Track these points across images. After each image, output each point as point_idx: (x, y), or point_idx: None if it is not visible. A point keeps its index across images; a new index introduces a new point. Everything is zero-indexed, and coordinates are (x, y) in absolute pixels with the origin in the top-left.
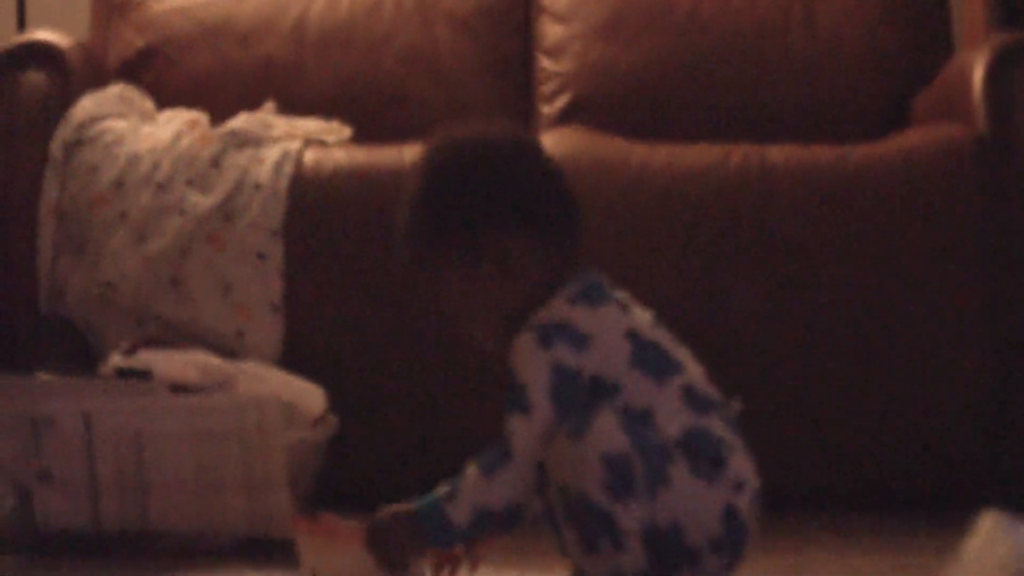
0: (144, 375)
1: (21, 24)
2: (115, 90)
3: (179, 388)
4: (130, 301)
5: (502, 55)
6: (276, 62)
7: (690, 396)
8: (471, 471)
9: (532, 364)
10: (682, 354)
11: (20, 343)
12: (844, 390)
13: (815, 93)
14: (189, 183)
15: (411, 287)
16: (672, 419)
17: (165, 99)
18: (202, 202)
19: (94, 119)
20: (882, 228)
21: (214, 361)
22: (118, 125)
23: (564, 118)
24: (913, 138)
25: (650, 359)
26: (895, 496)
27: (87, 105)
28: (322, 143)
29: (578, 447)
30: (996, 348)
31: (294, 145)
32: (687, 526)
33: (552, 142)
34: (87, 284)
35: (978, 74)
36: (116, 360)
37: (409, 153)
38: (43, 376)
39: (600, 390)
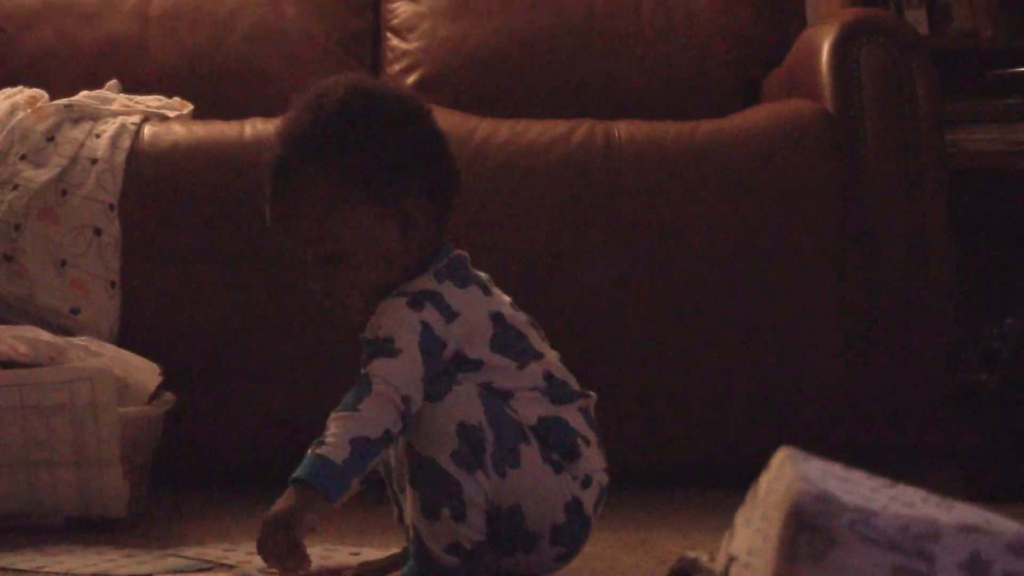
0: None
1: None
2: None
3: (7, 363)
4: None
5: (351, 33)
6: (119, 40)
7: (550, 384)
8: (334, 415)
9: (402, 321)
10: (541, 340)
11: None
12: (694, 365)
13: (667, 69)
14: (23, 157)
15: (250, 263)
16: (530, 405)
17: (5, 76)
18: (37, 176)
19: None
20: (729, 202)
21: (45, 336)
22: None
23: None
24: (760, 113)
25: (512, 343)
26: (748, 473)
27: None
28: (163, 118)
29: (435, 412)
30: (846, 319)
31: (132, 119)
32: (530, 510)
33: None
34: None
35: (825, 50)
36: None
37: (251, 128)
38: None
39: (463, 365)
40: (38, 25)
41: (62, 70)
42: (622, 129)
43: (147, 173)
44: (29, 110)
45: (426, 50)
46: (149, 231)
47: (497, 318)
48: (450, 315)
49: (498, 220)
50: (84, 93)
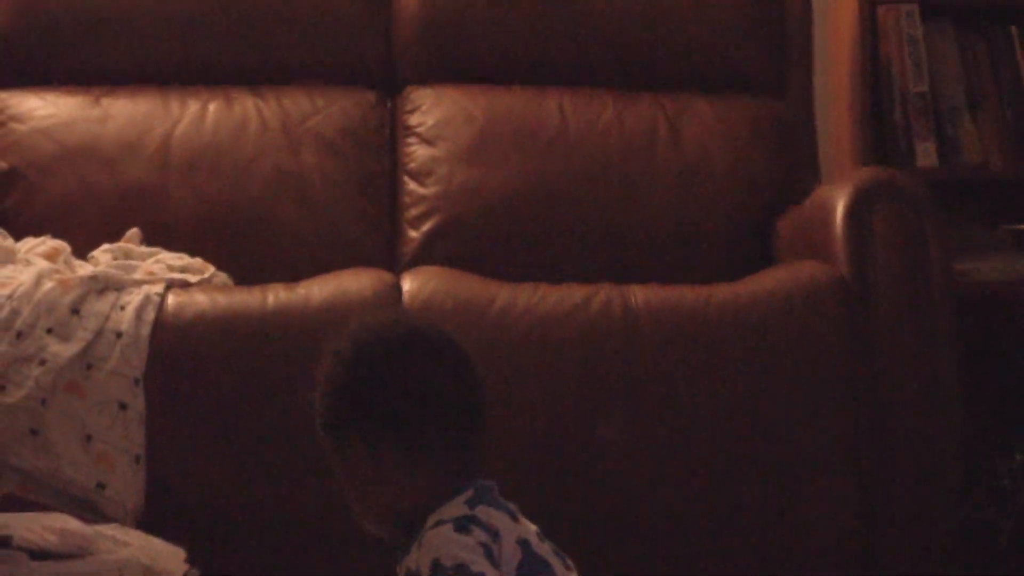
0: (3, 541)
1: None
2: None
3: (38, 555)
4: None
5: (368, 176)
6: (140, 187)
7: None
8: None
9: (463, 546)
10: (565, 569)
11: None
12: (712, 529)
13: (682, 211)
14: (49, 331)
15: (277, 436)
16: None
17: (27, 224)
18: (62, 351)
19: None
20: (745, 370)
21: (73, 524)
22: None
23: (430, 242)
24: (775, 278)
25: (537, 571)
26: None
27: None
28: (185, 284)
29: None
30: (858, 486)
31: (155, 289)
32: None
33: (414, 284)
34: None
35: (839, 213)
36: None
37: (273, 297)
38: None
39: None
40: (59, 172)
41: (83, 218)
42: (639, 296)
43: (171, 346)
44: (54, 282)
45: (443, 196)
46: (174, 404)
47: (525, 544)
48: (494, 535)
49: (518, 390)
50: (105, 246)
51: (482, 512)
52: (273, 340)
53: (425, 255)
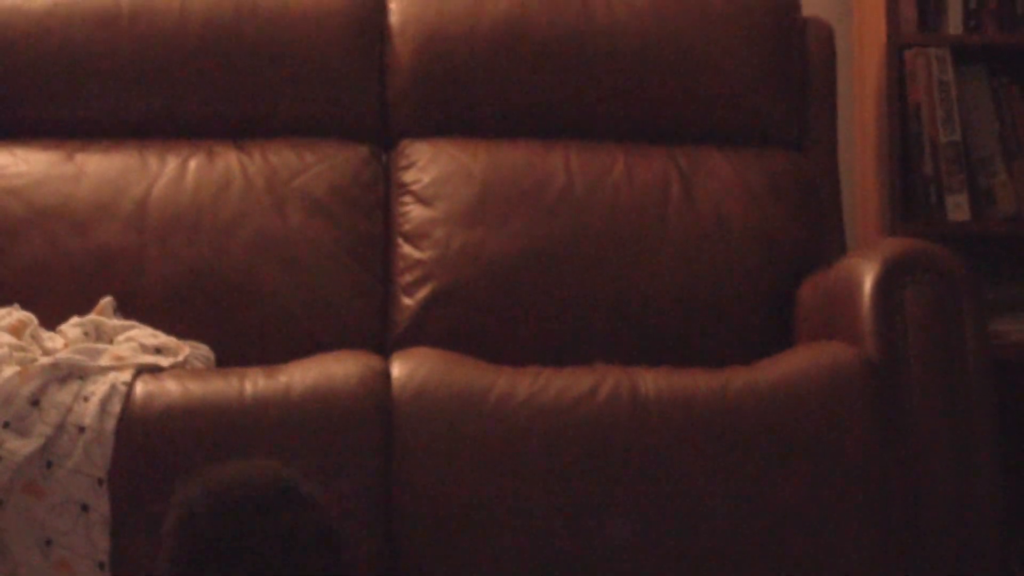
0: None
1: None
2: None
3: None
4: None
5: (359, 238)
6: (114, 251)
7: None
8: None
9: None
10: None
11: None
12: None
13: (696, 276)
14: (6, 425)
15: None
16: None
17: None
18: (20, 447)
19: None
20: (764, 463)
21: None
22: None
23: (426, 311)
24: (796, 362)
25: None
26: None
27: None
28: (157, 369)
29: None
30: None
31: (122, 378)
32: None
33: (404, 369)
34: None
35: (867, 288)
36: None
37: (251, 386)
38: None
39: None
40: (28, 234)
41: (53, 284)
42: (649, 383)
43: (138, 441)
44: (12, 370)
45: (440, 260)
46: (141, 507)
47: None
48: None
49: (518, 485)
50: (75, 320)
51: None
52: (249, 432)
53: (420, 325)
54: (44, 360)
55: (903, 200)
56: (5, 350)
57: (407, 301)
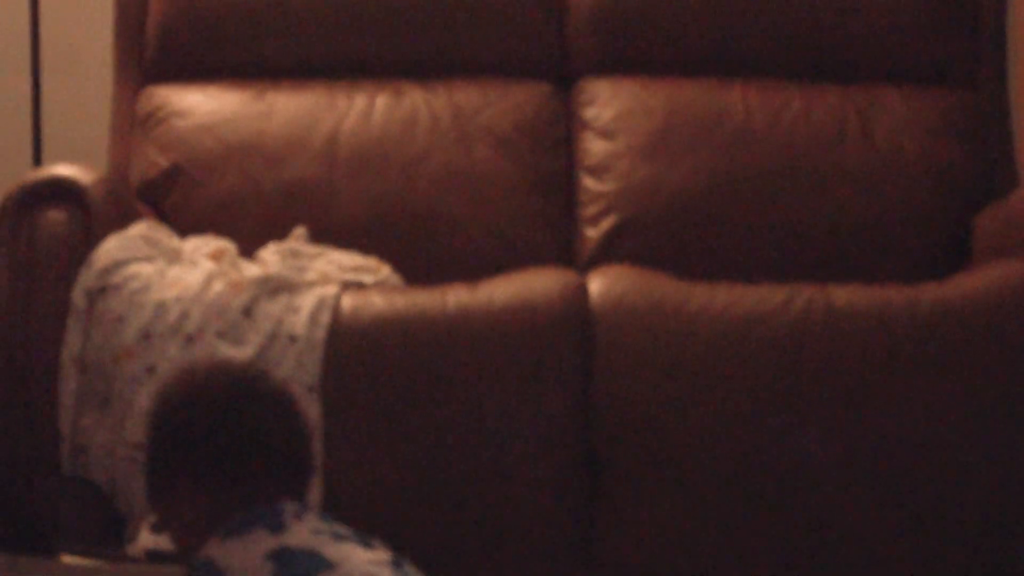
0: (178, 558)
1: (37, 157)
2: (139, 229)
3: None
4: None
5: (544, 173)
6: (306, 184)
7: None
8: None
9: None
10: (351, 549)
11: (41, 508)
12: (913, 541)
13: (873, 209)
14: (220, 335)
15: (457, 448)
16: None
17: (190, 222)
18: (234, 355)
19: (118, 264)
20: (956, 375)
21: None
22: (144, 270)
23: (609, 242)
24: (985, 277)
25: (297, 569)
26: None
27: (110, 248)
28: (360, 285)
29: None
30: None
31: (331, 291)
32: None
33: (603, 284)
34: (113, 444)
35: None
36: (146, 539)
37: (453, 299)
38: (68, 559)
39: None
40: (222, 169)
41: (247, 216)
42: (841, 297)
43: (348, 351)
44: (224, 284)
45: (621, 193)
46: (351, 413)
47: (280, 552)
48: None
49: (715, 395)
50: (272, 246)
51: (222, 550)
52: (454, 344)
53: (603, 255)
54: (252, 274)
55: None
56: (213, 268)
57: (590, 232)
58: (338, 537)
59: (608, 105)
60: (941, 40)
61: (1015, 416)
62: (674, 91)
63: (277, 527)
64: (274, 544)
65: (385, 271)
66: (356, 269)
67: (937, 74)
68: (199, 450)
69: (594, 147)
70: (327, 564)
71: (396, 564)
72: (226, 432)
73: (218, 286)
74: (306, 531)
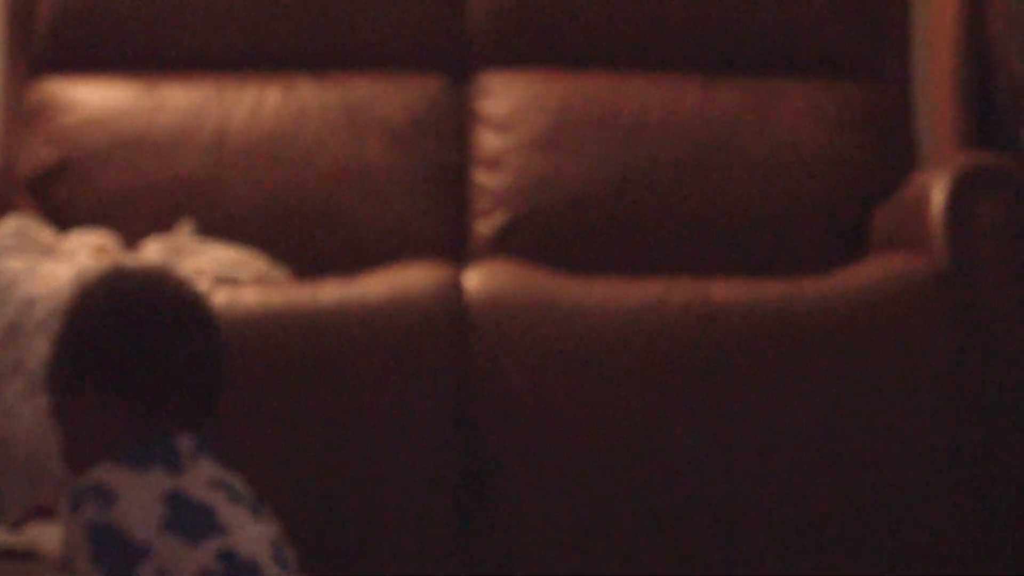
0: (28, 556)
1: None
2: (12, 225)
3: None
4: (24, 459)
5: (437, 167)
6: (195, 178)
7: (227, 565)
8: None
9: (69, 529)
10: (244, 516)
11: None
12: (796, 536)
13: (769, 202)
14: None
15: (330, 443)
16: None
17: (78, 217)
18: None
19: None
20: (836, 371)
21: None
22: (13, 265)
23: (500, 237)
24: (867, 272)
25: (188, 522)
26: None
27: None
28: (234, 280)
29: None
30: (962, 496)
31: (202, 285)
32: None
33: (479, 279)
34: None
35: (937, 202)
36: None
37: (326, 294)
38: None
39: (133, 550)
40: (110, 163)
41: (136, 210)
42: (721, 291)
43: None
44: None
45: (515, 187)
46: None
47: (174, 497)
48: (109, 499)
49: (590, 391)
50: (156, 242)
51: (113, 476)
52: (327, 341)
53: (496, 249)
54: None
55: (978, 133)
56: (86, 264)
57: (483, 227)
58: (233, 496)
59: (503, 99)
60: (843, 33)
61: (892, 409)
62: (571, 84)
63: (174, 468)
64: (170, 486)
65: (262, 266)
66: (236, 264)
67: (839, 67)
68: (112, 353)
69: (488, 141)
70: (218, 527)
71: (276, 546)
72: (142, 336)
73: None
74: (203, 479)
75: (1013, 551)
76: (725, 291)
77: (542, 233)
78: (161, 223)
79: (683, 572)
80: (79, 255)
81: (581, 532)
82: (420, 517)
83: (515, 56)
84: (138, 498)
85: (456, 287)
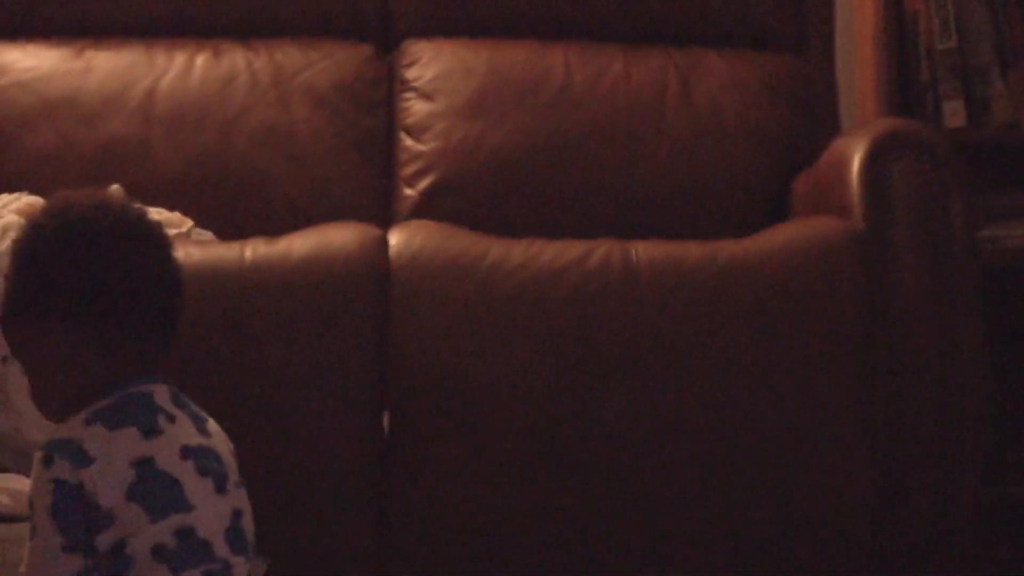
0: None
1: None
2: None
3: None
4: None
5: (363, 132)
6: (122, 141)
7: (180, 542)
8: None
9: (37, 482)
10: (208, 491)
11: None
12: (717, 502)
13: (691, 171)
14: None
15: (252, 398)
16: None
17: (5, 179)
18: None
19: None
20: (754, 330)
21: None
22: None
23: (427, 201)
24: (785, 233)
25: (154, 493)
26: None
27: None
28: None
29: None
30: (873, 457)
31: None
32: None
33: (402, 238)
34: None
35: (855, 165)
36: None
37: (251, 252)
38: None
39: (97, 515)
40: (37, 126)
41: (62, 174)
42: (641, 251)
43: None
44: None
45: (441, 152)
46: None
47: (145, 464)
48: (82, 461)
49: (508, 351)
50: None
51: (90, 434)
52: (250, 297)
53: (422, 214)
54: None
55: (899, 107)
56: (13, 220)
57: (409, 192)
58: (201, 467)
59: (429, 66)
60: (767, 4)
61: (809, 367)
62: (496, 52)
63: (149, 430)
64: (143, 451)
65: (188, 225)
66: (164, 226)
67: (762, 39)
68: (76, 279)
69: (414, 107)
70: (182, 504)
71: (234, 522)
72: (104, 258)
73: (13, 235)
74: (176, 446)
75: (922, 512)
76: (645, 251)
77: (467, 198)
78: (88, 186)
79: (600, 533)
80: (5, 215)
81: (496, 494)
82: (335, 474)
83: (441, 25)
84: (111, 462)
85: (380, 245)
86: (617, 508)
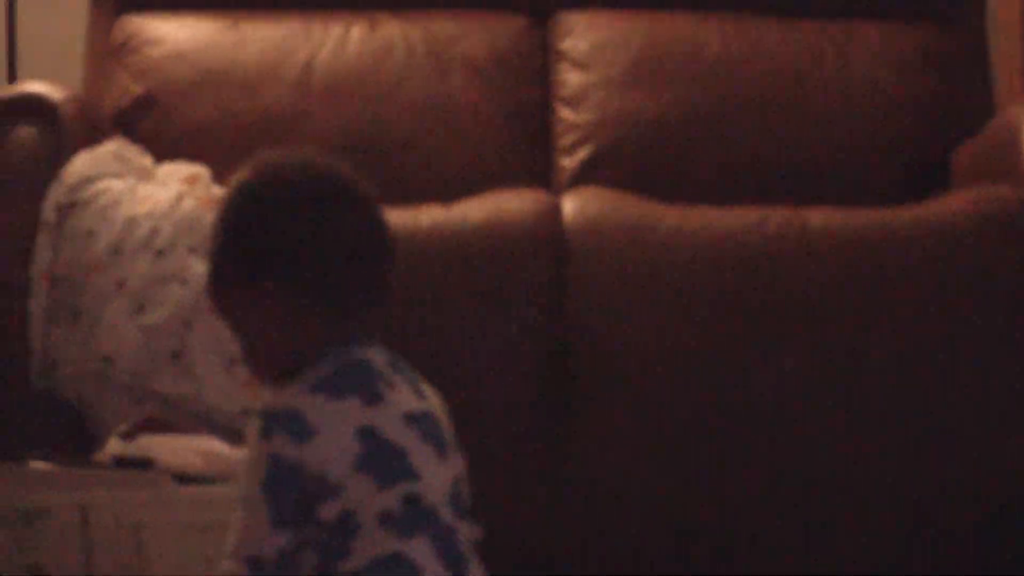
0: (145, 464)
1: (12, 76)
2: (111, 147)
3: (182, 478)
4: (128, 377)
5: (519, 103)
6: (280, 111)
7: (408, 509)
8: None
9: (253, 451)
10: (432, 457)
11: (11, 422)
12: (883, 465)
13: (848, 141)
14: (191, 250)
15: (425, 364)
16: (370, 545)
17: (164, 149)
18: (205, 271)
19: (89, 179)
20: (928, 297)
21: (218, 448)
22: (114, 186)
23: (584, 172)
24: (959, 201)
25: (381, 462)
26: None
27: (81, 164)
28: None
29: None
30: None
31: None
32: None
33: (576, 204)
34: (82, 357)
35: None
36: (114, 446)
37: (427, 216)
38: (36, 464)
39: (324, 489)
40: (196, 96)
41: (221, 143)
42: (816, 218)
43: None
44: (196, 197)
45: (598, 123)
46: None
47: (369, 433)
48: (304, 435)
49: (688, 314)
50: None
51: (312, 404)
52: (427, 262)
53: (578, 184)
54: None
55: None
56: (184, 188)
57: (565, 162)
58: (425, 435)
59: (584, 37)
60: None
61: (990, 334)
62: (651, 24)
63: (371, 397)
64: (367, 419)
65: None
66: None
67: (916, 10)
68: (290, 241)
69: (570, 78)
70: (410, 474)
71: (456, 487)
72: (317, 219)
73: (189, 203)
74: (399, 414)
75: None
76: (822, 217)
77: (624, 167)
78: (246, 157)
79: (766, 497)
80: (170, 184)
81: (669, 458)
82: (511, 437)
83: None
84: (335, 435)
85: (555, 212)
86: (790, 472)
